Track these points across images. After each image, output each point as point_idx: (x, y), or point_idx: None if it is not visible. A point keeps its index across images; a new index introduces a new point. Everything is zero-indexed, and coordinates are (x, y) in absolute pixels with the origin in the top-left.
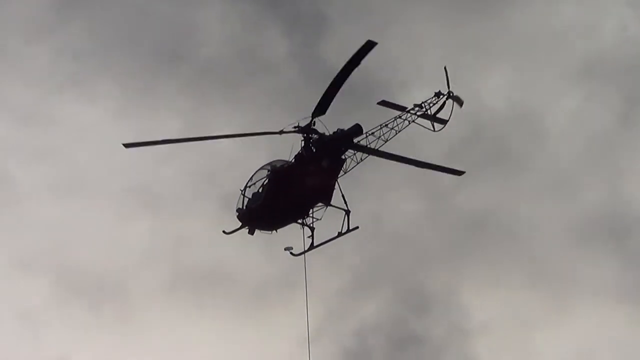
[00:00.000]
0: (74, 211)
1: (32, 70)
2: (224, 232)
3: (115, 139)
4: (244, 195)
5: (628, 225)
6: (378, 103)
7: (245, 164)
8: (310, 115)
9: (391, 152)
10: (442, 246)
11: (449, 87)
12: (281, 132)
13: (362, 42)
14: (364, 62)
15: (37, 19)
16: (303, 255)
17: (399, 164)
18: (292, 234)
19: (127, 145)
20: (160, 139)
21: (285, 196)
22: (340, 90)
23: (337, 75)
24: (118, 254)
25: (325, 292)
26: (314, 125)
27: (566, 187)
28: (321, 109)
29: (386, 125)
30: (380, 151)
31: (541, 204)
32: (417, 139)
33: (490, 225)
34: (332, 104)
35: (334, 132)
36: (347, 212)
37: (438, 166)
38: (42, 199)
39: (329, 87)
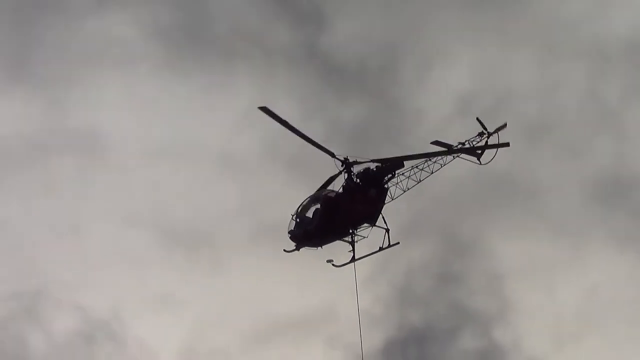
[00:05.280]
0: (172, 174)
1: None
2: (284, 250)
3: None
4: (295, 219)
5: (631, 184)
6: (431, 143)
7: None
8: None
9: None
10: (476, 202)
11: (487, 130)
12: (333, 155)
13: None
14: None
15: None
16: (347, 265)
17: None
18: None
19: (261, 108)
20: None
21: (336, 220)
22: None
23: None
24: (209, 211)
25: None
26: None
27: (579, 152)
28: (385, 162)
29: (430, 159)
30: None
31: (558, 167)
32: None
33: (517, 185)
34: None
35: (376, 166)
36: (387, 230)
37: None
38: (145, 164)
39: (410, 155)
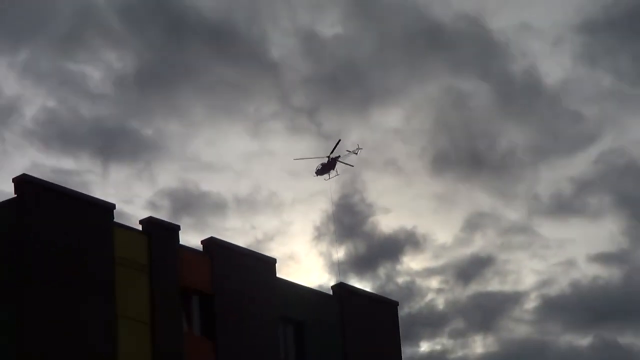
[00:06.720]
0: None
1: None
2: (314, 176)
3: None
4: (316, 169)
5: None
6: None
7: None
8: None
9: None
10: (361, 168)
11: (357, 148)
12: (328, 157)
13: None
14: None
15: None
16: (328, 180)
17: None
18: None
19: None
20: None
21: (326, 168)
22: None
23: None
24: None
25: None
26: (330, 155)
27: None
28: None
29: (341, 156)
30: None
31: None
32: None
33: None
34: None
35: (336, 157)
36: (336, 170)
37: None
38: None
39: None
